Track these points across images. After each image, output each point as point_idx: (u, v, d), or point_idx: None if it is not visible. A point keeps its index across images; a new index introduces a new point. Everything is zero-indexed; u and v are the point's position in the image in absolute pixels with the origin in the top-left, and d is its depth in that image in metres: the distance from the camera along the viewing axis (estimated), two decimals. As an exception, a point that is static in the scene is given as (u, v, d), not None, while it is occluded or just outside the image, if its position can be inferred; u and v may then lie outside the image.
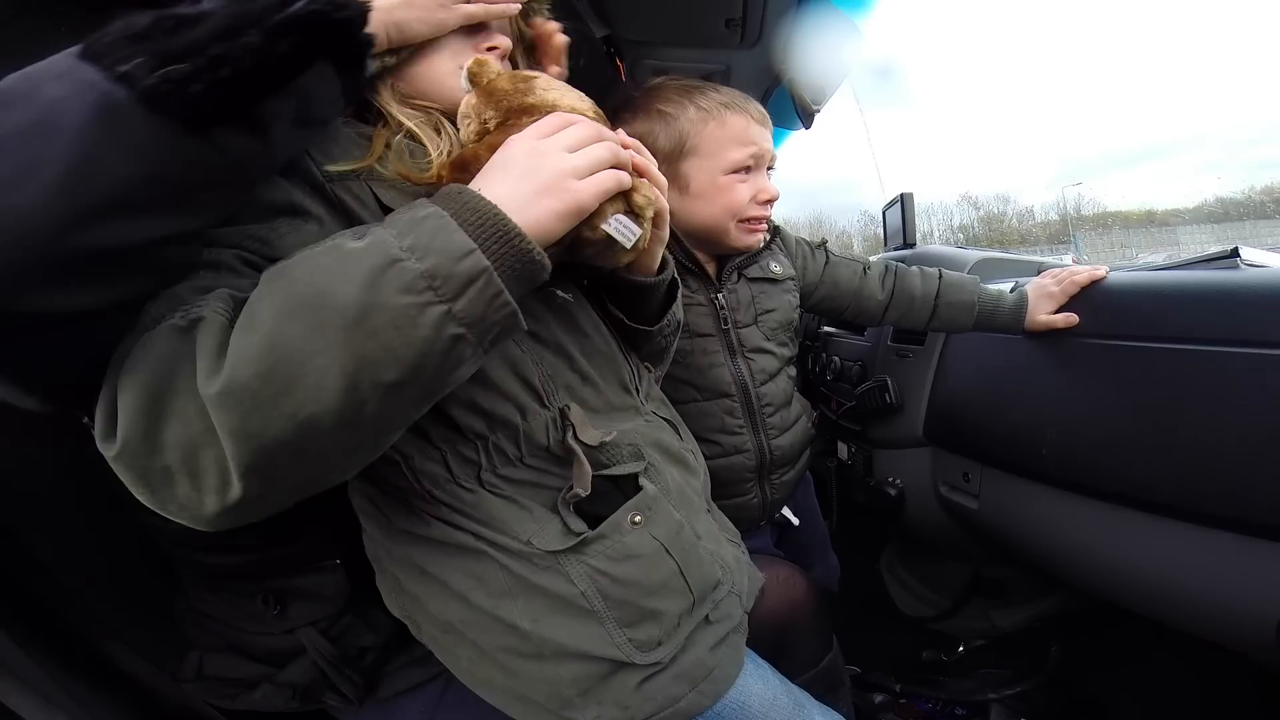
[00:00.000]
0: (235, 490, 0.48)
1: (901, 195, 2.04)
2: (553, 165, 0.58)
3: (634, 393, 0.80)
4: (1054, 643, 1.56)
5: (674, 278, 0.84)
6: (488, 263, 0.51)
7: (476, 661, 0.71)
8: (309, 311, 0.47)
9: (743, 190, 1.05)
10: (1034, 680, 1.53)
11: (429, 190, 0.60)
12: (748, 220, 1.07)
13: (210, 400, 0.46)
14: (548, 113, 0.64)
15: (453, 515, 0.67)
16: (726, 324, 1.12)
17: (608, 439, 0.70)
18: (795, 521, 1.27)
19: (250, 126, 0.51)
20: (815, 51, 1.50)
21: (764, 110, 1.07)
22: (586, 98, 0.71)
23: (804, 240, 1.26)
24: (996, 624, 1.70)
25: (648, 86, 1.09)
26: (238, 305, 0.49)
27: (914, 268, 1.24)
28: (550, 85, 0.68)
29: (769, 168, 1.09)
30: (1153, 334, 0.97)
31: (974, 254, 1.63)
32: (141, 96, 0.45)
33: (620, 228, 0.64)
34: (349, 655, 0.83)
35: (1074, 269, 1.13)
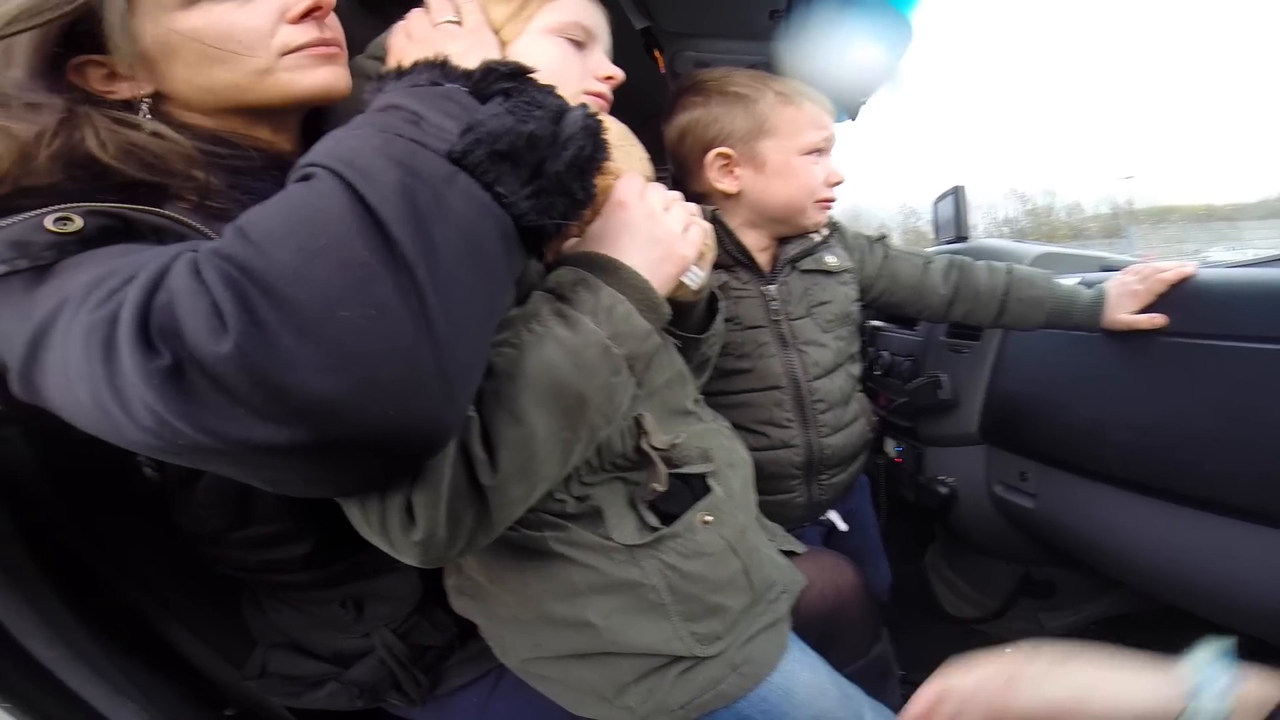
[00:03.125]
0: (493, 534, 0.58)
1: (955, 188, 2.01)
2: (666, 231, 0.67)
3: (692, 399, 0.84)
4: (1106, 646, 1.50)
5: (714, 294, 0.89)
6: (660, 341, 0.63)
7: (533, 660, 0.76)
8: (554, 401, 0.56)
9: (818, 171, 1.07)
10: (1085, 685, 1.48)
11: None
12: (821, 200, 1.09)
13: (491, 488, 0.54)
14: (616, 173, 0.69)
15: (538, 519, 0.70)
16: (777, 316, 1.11)
17: (677, 441, 0.75)
18: (843, 527, 1.24)
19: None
20: (862, 44, 1.47)
21: (828, 102, 1.10)
22: (643, 151, 0.75)
23: (862, 234, 1.24)
24: (1045, 626, 1.66)
25: (712, 74, 1.11)
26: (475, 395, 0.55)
27: (980, 262, 1.21)
28: (617, 140, 0.70)
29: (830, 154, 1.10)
30: (1238, 332, 0.93)
31: (1034, 248, 1.58)
32: (523, 230, 0.48)
33: (693, 275, 0.73)
34: (415, 653, 0.84)
35: (1159, 265, 1.08)
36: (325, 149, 0.45)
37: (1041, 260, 1.51)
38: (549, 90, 0.52)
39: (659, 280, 0.64)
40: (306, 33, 0.64)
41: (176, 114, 0.64)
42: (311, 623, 0.86)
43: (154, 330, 0.37)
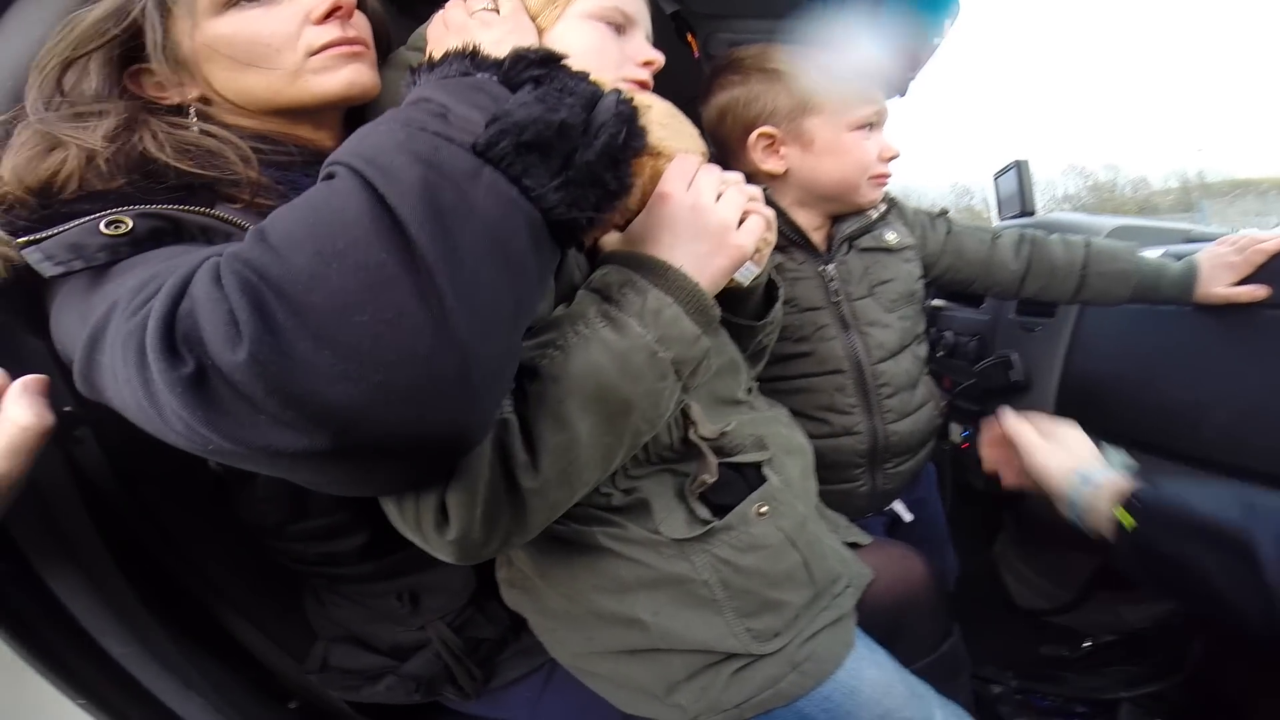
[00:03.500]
0: (529, 535, 0.58)
1: (1016, 161, 1.93)
2: (717, 222, 0.63)
3: (744, 388, 0.82)
4: (1196, 640, 1.43)
5: (773, 279, 0.86)
6: (709, 344, 0.61)
7: (583, 656, 0.75)
8: (598, 406, 0.55)
9: (870, 147, 1.02)
10: (1172, 679, 1.41)
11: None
12: (875, 177, 1.04)
13: (531, 492, 0.53)
14: (666, 155, 0.65)
15: (585, 514, 0.69)
16: (837, 296, 1.06)
17: (727, 428, 0.72)
18: (907, 517, 1.19)
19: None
20: (908, 18, 1.41)
21: (880, 70, 1.06)
22: (692, 129, 0.71)
23: (922, 210, 1.19)
24: (1125, 619, 1.57)
25: (750, 50, 1.07)
26: (515, 396, 0.55)
27: (1054, 235, 1.15)
28: (663, 118, 0.68)
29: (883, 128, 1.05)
30: None
31: (1109, 220, 1.50)
32: (554, 225, 0.46)
33: (744, 270, 0.69)
34: (470, 646, 0.85)
35: (1257, 236, 1.02)
36: (349, 146, 0.44)
37: (1119, 233, 1.43)
38: (582, 76, 0.50)
39: (708, 276, 0.62)
40: (329, 32, 0.66)
41: (222, 116, 0.67)
42: (370, 616, 0.87)
43: (179, 338, 0.37)
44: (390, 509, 0.55)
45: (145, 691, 0.78)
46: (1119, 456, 0.87)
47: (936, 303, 1.90)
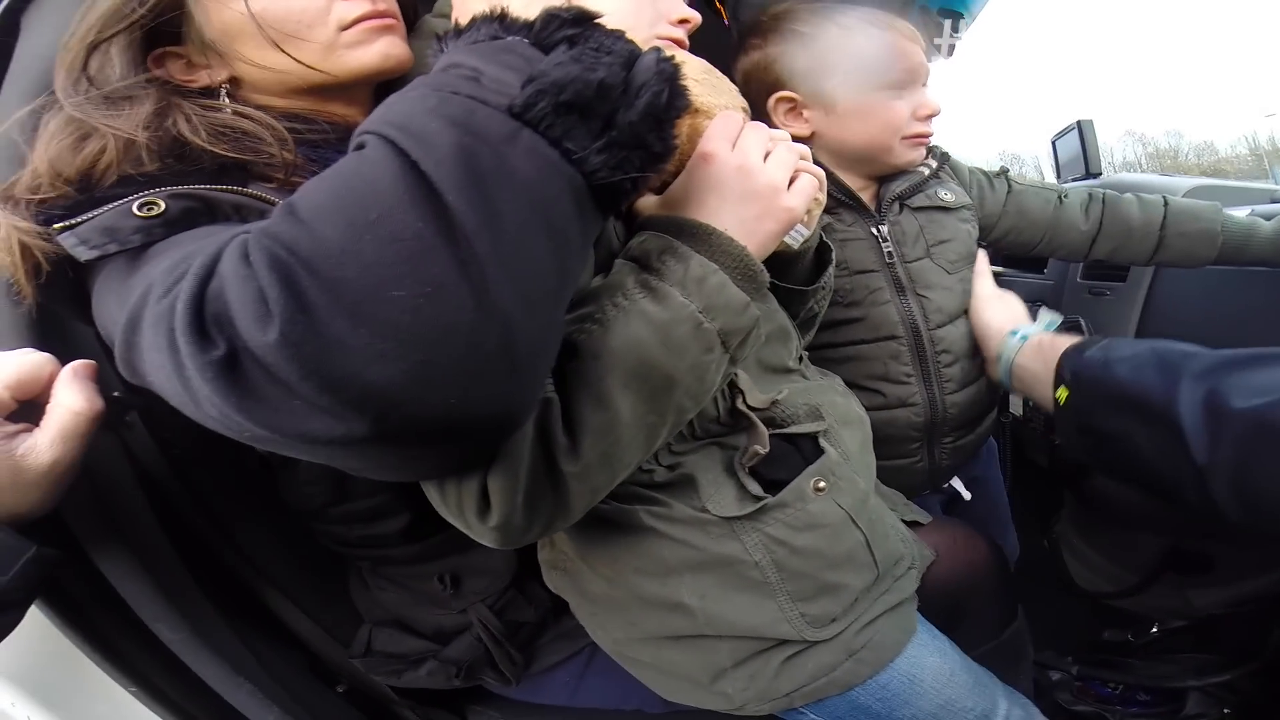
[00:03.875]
0: (572, 519, 0.55)
1: (1079, 122, 1.83)
2: (765, 184, 0.59)
3: (795, 356, 0.79)
4: (1274, 628, 1.35)
5: (825, 242, 0.82)
6: (759, 313, 0.57)
7: (625, 642, 0.73)
8: (640, 383, 0.52)
9: (899, 106, 0.97)
10: (1245, 667, 1.34)
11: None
12: (911, 136, 0.99)
13: (573, 475, 0.51)
14: (705, 112, 0.62)
15: (627, 492, 0.66)
16: (891, 258, 1.01)
17: (779, 397, 0.69)
18: (966, 496, 1.14)
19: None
20: None
21: (912, 28, 0.99)
22: (730, 84, 0.68)
23: (979, 169, 1.13)
24: (1193, 603, 1.49)
25: (773, 11, 1.02)
26: (556, 374, 0.52)
27: (1128, 194, 1.08)
28: (697, 74, 0.64)
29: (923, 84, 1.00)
30: None
31: (1185, 181, 1.41)
32: (596, 191, 0.44)
33: (793, 233, 0.66)
34: (510, 630, 0.84)
35: None
36: (379, 114, 0.42)
37: (1197, 193, 1.33)
38: (618, 35, 0.47)
39: (757, 241, 0.59)
40: (360, 6, 0.66)
41: (252, 98, 0.67)
42: (413, 599, 0.87)
43: (209, 319, 0.36)
44: (432, 494, 0.53)
45: (195, 678, 0.78)
46: (1049, 316, 0.91)
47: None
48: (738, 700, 0.68)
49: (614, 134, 0.43)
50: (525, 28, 0.48)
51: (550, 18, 0.48)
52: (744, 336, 0.57)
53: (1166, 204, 1.06)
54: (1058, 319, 0.85)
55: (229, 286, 0.36)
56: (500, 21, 0.48)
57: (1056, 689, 1.44)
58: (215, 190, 0.55)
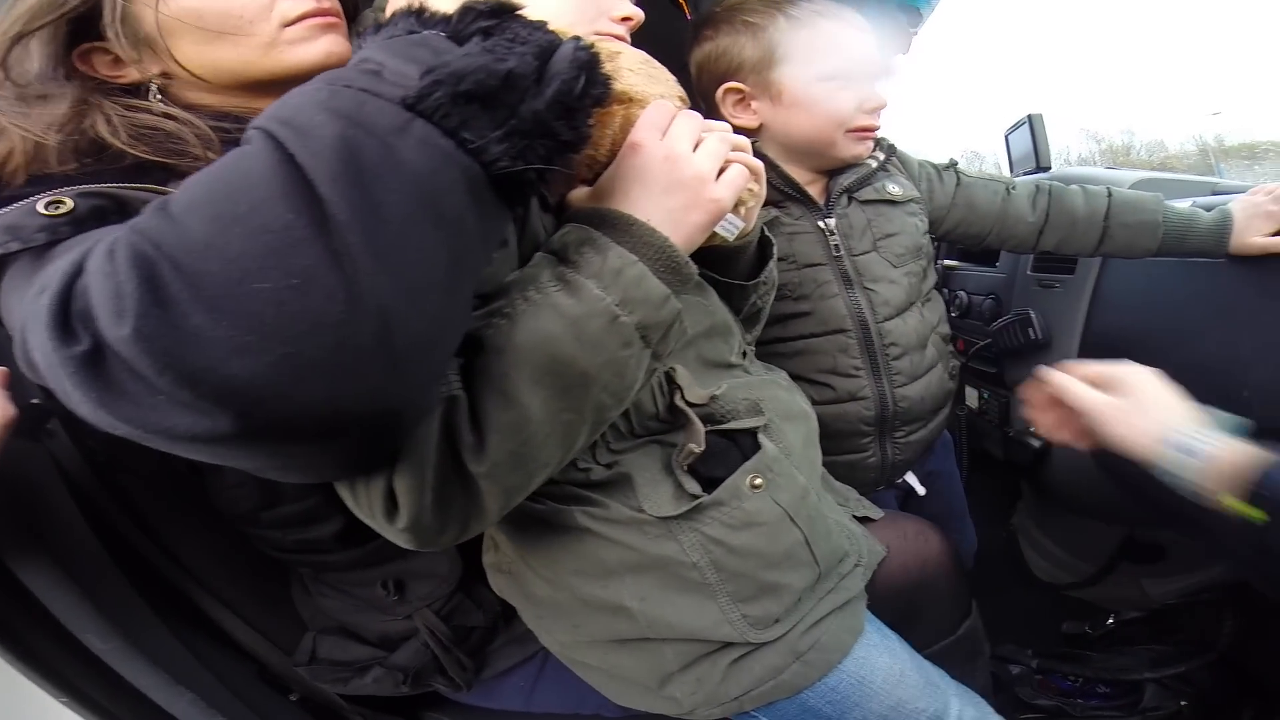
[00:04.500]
0: (489, 521, 0.54)
1: (1029, 115, 1.85)
2: (691, 174, 0.58)
3: (738, 352, 0.77)
4: (1227, 618, 1.37)
5: (767, 236, 0.81)
6: (679, 306, 0.55)
7: (572, 645, 0.72)
8: (553, 379, 0.50)
9: (845, 98, 0.96)
10: (1200, 659, 1.36)
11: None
12: (856, 130, 0.98)
13: (481, 475, 0.50)
14: (639, 101, 0.61)
15: (563, 492, 0.65)
16: (839, 251, 1.00)
17: (718, 392, 0.68)
18: (921, 491, 1.13)
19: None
20: None
21: (861, 20, 0.99)
22: (668, 75, 0.67)
23: (928, 161, 1.13)
24: (1149, 593, 1.52)
25: (728, 2, 1.02)
26: (463, 371, 0.51)
27: (1074, 186, 1.09)
28: (634, 63, 0.63)
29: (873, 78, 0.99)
30: None
31: (1131, 174, 1.42)
32: (494, 181, 0.43)
33: (726, 225, 0.64)
34: (459, 635, 0.83)
35: None
36: (270, 109, 0.41)
37: (1142, 186, 1.35)
38: (537, 26, 0.47)
39: (683, 233, 0.57)
40: (303, 3, 0.64)
41: (183, 94, 0.65)
42: (357, 606, 0.86)
43: (74, 315, 0.35)
44: (345, 495, 0.51)
45: (131, 688, 0.76)
46: (1225, 417, 0.70)
47: (949, 262, 1.84)
48: (687, 705, 0.66)
49: (515, 123, 0.42)
50: (443, 21, 0.47)
51: (466, 10, 0.47)
52: (665, 330, 0.55)
53: (1110, 196, 1.07)
54: (1243, 423, 0.69)
55: (92, 282, 0.35)
56: (418, 16, 0.48)
57: (1017, 683, 1.45)
58: (129, 188, 0.54)
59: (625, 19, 0.70)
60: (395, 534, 0.50)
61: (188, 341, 0.34)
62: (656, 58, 0.67)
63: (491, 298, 0.53)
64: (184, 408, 0.35)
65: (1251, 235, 0.96)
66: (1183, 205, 1.04)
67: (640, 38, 0.71)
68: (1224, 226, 0.98)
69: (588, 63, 0.46)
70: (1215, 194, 1.24)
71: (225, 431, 0.36)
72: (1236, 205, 0.99)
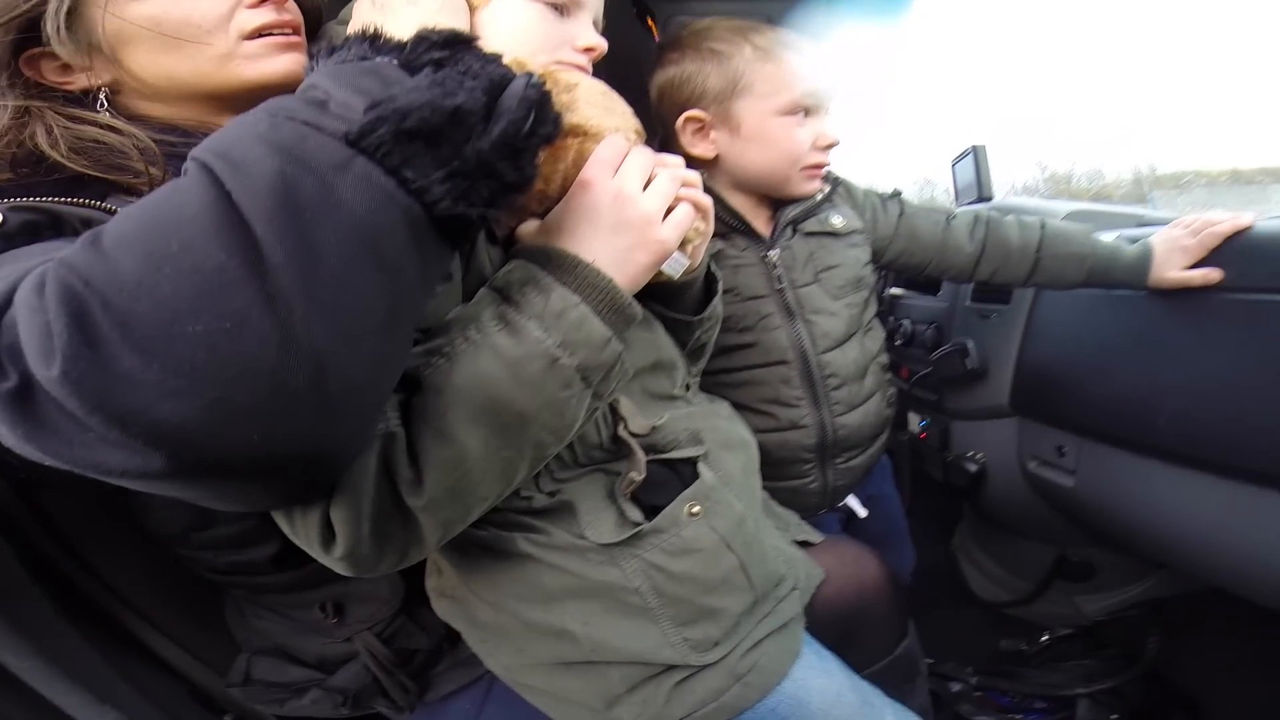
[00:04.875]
0: (428, 551, 0.54)
1: (973, 147, 1.89)
2: (639, 214, 0.58)
3: (681, 385, 0.78)
4: (1152, 633, 1.42)
5: (712, 272, 0.82)
6: (621, 347, 0.56)
7: (517, 669, 0.71)
8: (490, 419, 0.51)
9: (802, 135, 0.97)
10: (1129, 674, 1.40)
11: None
12: (809, 167, 0.99)
13: (419, 510, 0.50)
14: (594, 135, 0.61)
15: (506, 519, 0.65)
16: (780, 284, 1.02)
17: (659, 423, 0.68)
18: (862, 513, 1.15)
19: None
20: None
21: (825, 52, 1.00)
22: (625, 107, 0.67)
23: (873, 191, 1.14)
24: (1082, 610, 1.58)
25: (695, 27, 1.01)
26: (403, 408, 0.51)
27: (1009, 216, 1.12)
28: (593, 95, 0.63)
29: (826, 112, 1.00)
30: None
31: (1064, 205, 1.48)
32: (437, 220, 0.42)
33: (672, 263, 0.64)
34: (401, 658, 0.82)
35: (1211, 219, 0.99)
36: (211, 138, 0.40)
37: (1073, 217, 1.41)
38: (491, 59, 0.47)
39: (628, 273, 0.57)
40: (264, 15, 0.63)
41: (134, 104, 0.63)
42: (294, 628, 0.84)
43: (3, 350, 0.35)
44: (282, 522, 0.51)
45: (53, 707, 0.75)
46: None
47: (895, 291, 1.87)
48: None
49: (458, 164, 0.41)
50: (396, 49, 0.46)
51: (420, 39, 0.47)
52: (606, 371, 0.56)
53: (1043, 227, 1.09)
54: None
55: (20, 317, 0.35)
56: (372, 41, 0.47)
57: (957, 700, 1.48)
58: (65, 204, 0.52)
59: (588, 49, 0.70)
60: (332, 562, 0.50)
61: (118, 384, 0.33)
62: (623, 78, 0.68)
63: (433, 334, 0.53)
64: (114, 446, 0.34)
65: (1169, 270, 0.99)
66: (1109, 238, 1.07)
67: (608, 58, 0.72)
68: (1145, 261, 1.01)
69: (537, 101, 0.46)
70: (1143, 225, 1.29)
71: (158, 469, 0.35)
72: (1157, 239, 1.02)
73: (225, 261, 0.35)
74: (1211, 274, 0.95)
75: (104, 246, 0.36)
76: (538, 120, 0.46)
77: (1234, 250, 0.96)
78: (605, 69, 0.72)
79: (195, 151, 0.39)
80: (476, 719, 0.83)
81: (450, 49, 0.46)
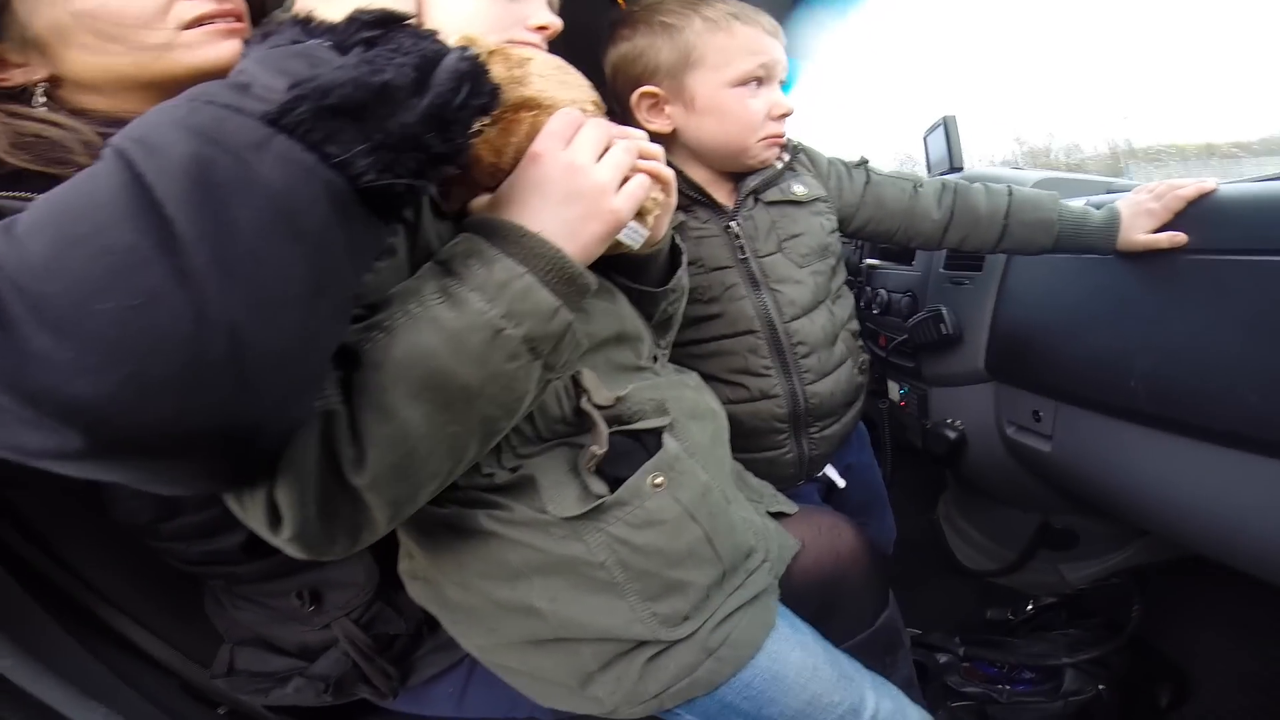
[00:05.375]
0: (380, 531, 0.53)
1: (944, 118, 1.90)
2: (591, 184, 0.58)
3: (648, 357, 0.77)
4: (1136, 601, 1.42)
5: (676, 244, 0.82)
6: (571, 317, 0.55)
7: (490, 649, 0.71)
8: (433, 393, 0.50)
9: (755, 105, 0.96)
10: (1113, 643, 1.41)
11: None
12: (766, 138, 0.99)
13: (364, 488, 0.49)
14: (548, 107, 0.61)
15: (467, 496, 0.65)
16: (744, 253, 1.01)
17: (624, 394, 0.67)
18: (841, 483, 1.15)
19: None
20: None
21: (775, 23, 0.99)
22: (582, 79, 0.67)
23: (838, 160, 1.13)
24: (1066, 578, 1.59)
25: (647, 1, 1.01)
26: (344, 385, 0.50)
27: (977, 184, 1.11)
28: (546, 69, 0.63)
29: (781, 82, 1.00)
30: (1273, 246, 0.83)
31: (1032, 174, 1.48)
32: (364, 194, 0.43)
33: (630, 233, 0.64)
34: (380, 644, 0.83)
35: (1176, 182, 0.99)
36: (130, 125, 0.41)
37: (1042, 185, 1.41)
38: (425, 35, 0.47)
39: (580, 244, 0.57)
40: (203, 5, 0.63)
41: (75, 98, 0.63)
42: (273, 617, 0.84)
43: None
44: (233, 506, 0.50)
45: (38, 702, 0.74)
46: None
47: (871, 261, 1.87)
48: (609, 704, 0.66)
49: (381, 137, 0.42)
50: (329, 30, 0.47)
51: (351, 20, 0.47)
52: (555, 342, 0.55)
53: (1011, 194, 1.07)
54: None
55: None
56: (304, 25, 0.48)
57: (945, 671, 1.48)
58: (4, 197, 0.54)
59: (541, 28, 0.70)
60: (282, 544, 0.50)
61: (30, 363, 0.34)
62: (592, 56, 0.67)
63: (378, 308, 0.52)
64: (30, 426, 0.35)
65: (1135, 233, 0.99)
66: (1077, 204, 1.07)
67: (570, 35, 0.71)
68: (1112, 224, 1.01)
69: (469, 73, 0.46)
70: (1110, 192, 1.29)
71: (76, 448, 0.36)
72: (1123, 204, 1.02)
73: (137, 241, 0.35)
74: (1177, 237, 0.96)
75: (16, 233, 0.36)
76: (472, 93, 0.46)
77: (1199, 213, 0.96)
78: (567, 47, 0.71)
79: (113, 139, 0.40)
80: (460, 701, 0.84)
81: (382, 28, 0.47)
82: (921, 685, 1.12)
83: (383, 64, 0.43)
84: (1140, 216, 0.99)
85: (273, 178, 0.39)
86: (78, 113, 0.61)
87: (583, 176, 0.58)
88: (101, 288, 0.35)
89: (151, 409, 0.36)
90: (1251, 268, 0.84)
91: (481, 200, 0.61)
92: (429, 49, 0.46)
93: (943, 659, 1.50)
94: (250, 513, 0.49)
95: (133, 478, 0.41)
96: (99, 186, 0.37)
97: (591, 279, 0.58)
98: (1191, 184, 0.98)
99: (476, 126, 0.54)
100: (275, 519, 0.48)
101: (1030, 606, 1.61)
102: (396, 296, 0.52)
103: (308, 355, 0.43)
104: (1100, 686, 1.37)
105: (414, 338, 0.50)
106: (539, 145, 0.59)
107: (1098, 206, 1.05)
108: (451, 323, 0.50)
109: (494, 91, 0.49)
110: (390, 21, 0.48)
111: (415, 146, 0.43)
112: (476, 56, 0.48)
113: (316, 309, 0.42)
